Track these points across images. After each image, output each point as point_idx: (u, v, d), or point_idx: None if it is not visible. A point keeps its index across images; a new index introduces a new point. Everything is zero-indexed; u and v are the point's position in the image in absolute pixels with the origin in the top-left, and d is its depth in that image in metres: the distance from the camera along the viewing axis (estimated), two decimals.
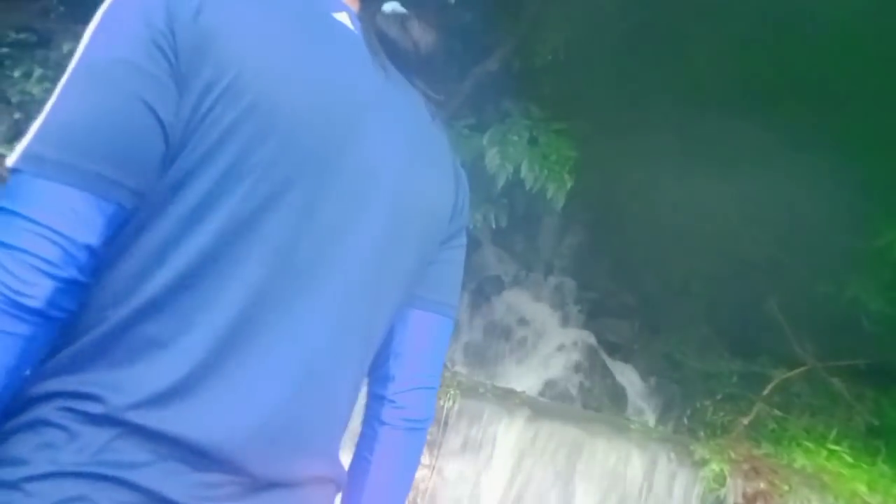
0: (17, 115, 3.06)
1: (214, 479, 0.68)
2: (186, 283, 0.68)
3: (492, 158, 3.10)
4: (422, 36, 0.90)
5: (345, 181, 0.76)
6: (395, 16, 0.88)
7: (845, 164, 3.59)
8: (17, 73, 3.03)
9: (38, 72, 3.02)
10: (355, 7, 0.87)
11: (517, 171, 3.08)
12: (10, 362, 0.64)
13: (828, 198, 3.76)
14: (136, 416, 0.65)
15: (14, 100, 3.02)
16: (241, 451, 0.69)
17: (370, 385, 0.93)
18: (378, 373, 0.92)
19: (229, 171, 0.68)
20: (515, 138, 3.18)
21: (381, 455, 0.90)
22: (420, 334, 0.92)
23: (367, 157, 0.78)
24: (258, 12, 0.72)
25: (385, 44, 0.86)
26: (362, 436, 0.92)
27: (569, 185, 3.12)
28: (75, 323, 0.68)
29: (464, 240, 0.98)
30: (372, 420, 0.91)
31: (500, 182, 3.12)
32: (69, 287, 0.65)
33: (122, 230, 0.68)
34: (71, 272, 0.65)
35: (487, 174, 3.13)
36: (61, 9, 3.32)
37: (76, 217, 0.64)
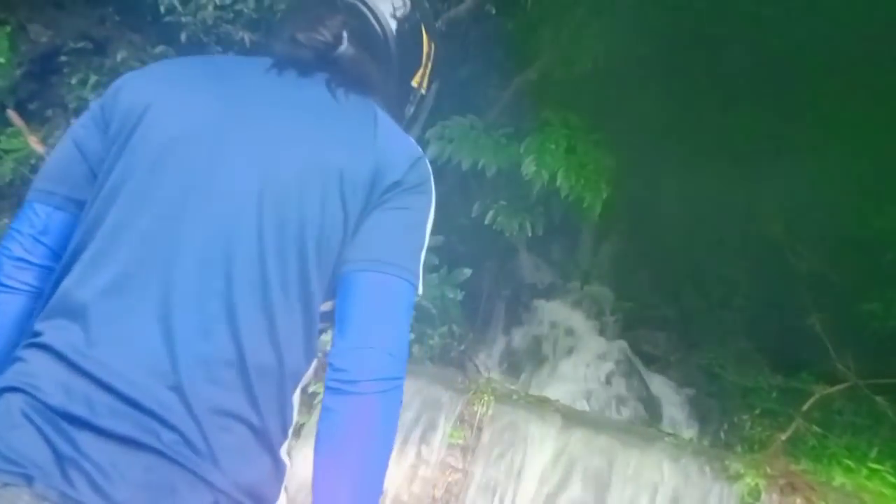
0: (73, 121, 3.18)
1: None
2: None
3: (528, 166, 3.11)
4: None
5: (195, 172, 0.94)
6: None
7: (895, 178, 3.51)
8: (73, 80, 3.16)
9: (93, 78, 3.14)
10: None
11: (553, 179, 3.08)
12: None
13: (875, 211, 3.67)
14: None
15: (71, 105, 3.15)
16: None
17: None
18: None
19: (114, 184, 0.95)
20: (552, 146, 3.19)
21: (324, 421, 0.89)
22: (353, 295, 0.93)
23: (230, 150, 0.95)
24: (164, 79, 1.04)
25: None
26: None
27: (605, 193, 3.12)
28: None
29: (405, 202, 0.98)
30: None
31: (536, 190, 3.13)
32: (20, 263, 0.99)
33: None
34: (20, 253, 0.99)
35: (523, 182, 3.14)
36: (116, 18, 3.45)
37: (27, 218, 1.01)
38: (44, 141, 2.92)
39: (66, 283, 0.91)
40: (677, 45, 3.88)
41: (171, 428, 0.82)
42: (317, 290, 0.93)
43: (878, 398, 3.16)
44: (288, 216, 0.92)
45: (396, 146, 1.01)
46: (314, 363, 0.98)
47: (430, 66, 1.19)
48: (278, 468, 0.91)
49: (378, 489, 0.89)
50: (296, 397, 0.95)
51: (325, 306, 0.99)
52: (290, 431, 0.94)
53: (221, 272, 0.89)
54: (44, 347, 0.87)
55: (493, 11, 3.52)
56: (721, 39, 3.91)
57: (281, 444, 0.92)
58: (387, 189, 0.97)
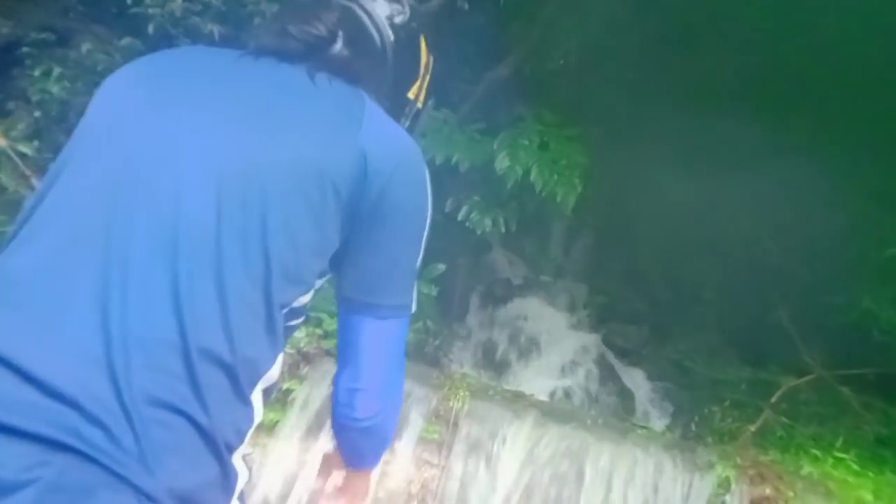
0: (36, 114, 3.10)
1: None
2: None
3: (501, 162, 3.12)
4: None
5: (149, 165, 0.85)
6: None
7: (859, 172, 3.59)
8: (37, 72, 3.07)
9: (57, 71, 3.05)
10: None
11: (527, 174, 3.10)
12: None
13: (841, 206, 3.75)
14: None
15: (34, 98, 3.06)
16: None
17: None
18: None
19: (57, 164, 0.89)
20: (526, 142, 3.20)
21: (337, 434, 1.07)
22: (354, 339, 0.98)
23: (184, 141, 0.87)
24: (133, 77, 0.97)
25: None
26: None
27: (578, 189, 3.14)
28: None
29: (403, 224, 0.94)
30: None
31: (510, 186, 3.14)
32: None
33: None
34: None
35: (497, 178, 3.15)
36: (80, 8, 3.36)
37: None
38: (5, 134, 2.84)
39: None
40: (650, 41, 3.91)
41: (95, 421, 0.71)
42: (282, 278, 0.85)
43: (843, 388, 3.24)
44: (251, 196, 0.83)
45: (386, 140, 0.93)
46: (280, 359, 0.90)
47: (427, 78, 1.12)
48: (227, 476, 0.80)
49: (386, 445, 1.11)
50: (256, 396, 0.86)
51: (301, 300, 0.92)
52: (248, 436, 0.85)
53: (168, 246, 0.80)
54: None
55: (466, 7, 3.51)
56: (695, 36, 3.96)
57: (233, 448, 0.82)
58: (378, 195, 0.90)
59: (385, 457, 2.45)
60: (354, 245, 0.92)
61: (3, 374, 0.72)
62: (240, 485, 0.84)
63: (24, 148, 2.82)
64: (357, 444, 1.08)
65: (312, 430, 2.45)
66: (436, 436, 2.46)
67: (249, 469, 0.87)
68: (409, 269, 0.98)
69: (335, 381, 1.01)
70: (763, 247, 4.13)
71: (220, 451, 0.79)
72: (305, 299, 0.94)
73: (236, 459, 0.83)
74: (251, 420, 0.85)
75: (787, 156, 3.76)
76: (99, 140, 0.88)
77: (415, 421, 2.50)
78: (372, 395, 0.98)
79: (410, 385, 2.61)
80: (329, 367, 2.54)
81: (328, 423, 1.19)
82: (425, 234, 0.98)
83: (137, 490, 0.71)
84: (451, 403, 2.53)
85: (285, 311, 0.89)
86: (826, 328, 3.53)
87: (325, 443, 2.41)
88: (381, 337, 0.97)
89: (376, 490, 2.39)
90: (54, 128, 3.16)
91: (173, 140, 0.86)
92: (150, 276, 0.78)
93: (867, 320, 3.31)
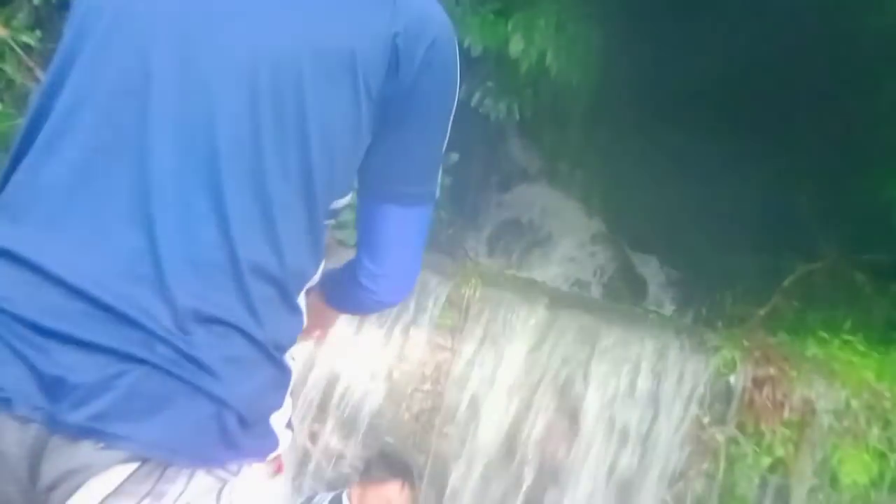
0: (36, 2, 3.01)
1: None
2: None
3: (516, 45, 3.00)
4: None
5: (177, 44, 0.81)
6: None
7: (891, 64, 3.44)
8: None
9: None
10: None
11: (542, 58, 2.98)
12: None
13: (871, 93, 3.62)
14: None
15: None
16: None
17: None
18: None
19: (66, 55, 0.84)
20: (542, 23, 3.06)
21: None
22: (379, 226, 0.96)
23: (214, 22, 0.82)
24: None
25: None
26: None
27: (596, 74, 3.04)
28: None
29: (431, 112, 0.93)
30: None
31: (524, 70, 3.03)
32: None
33: None
34: None
35: (511, 62, 3.04)
36: None
37: None
38: (6, 24, 2.77)
39: (19, 175, 0.81)
40: None
41: (162, 339, 0.74)
42: (323, 185, 0.84)
43: (858, 273, 3.24)
44: (286, 98, 0.80)
45: (418, 20, 0.87)
46: (322, 263, 0.92)
47: None
48: (283, 375, 0.85)
49: None
50: (302, 300, 0.88)
51: (337, 203, 0.93)
52: (298, 336, 0.89)
53: (206, 157, 0.78)
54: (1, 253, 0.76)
55: None
56: None
57: (285, 350, 0.85)
58: (410, 85, 0.87)
59: (400, 341, 2.54)
60: (382, 135, 0.90)
61: (56, 291, 0.73)
62: (292, 381, 0.89)
63: (26, 38, 2.76)
64: (360, 309, 1.12)
65: None
66: (449, 322, 2.54)
67: (294, 362, 0.92)
68: (436, 155, 0.98)
69: (357, 264, 0.99)
70: (787, 131, 4.02)
71: (273, 356, 0.82)
72: (345, 200, 0.95)
73: (287, 358, 0.86)
74: (301, 323, 0.88)
75: (820, 37, 3.59)
76: (112, 30, 0.82)
77: (429, 308, 2.56)
78: (394, 280, 1.00)
79: (425, 274, 2.65)
80: (343, 258, 2.58)
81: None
82: (451, 117, 0.96)
83: (210, 396, 0.75)
84: (463, 291, 2.58)
85: (329, 215, 0.90)
86: (846, 214, 3.49)
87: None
88: (406, 224, 0.97)
89: (391, 372, 2.50)
90: (56, 16, 3.08)
91: (197, 33, 0.81)
92: (192, 192, 0.77)
93: (889, 207, 3.26)
